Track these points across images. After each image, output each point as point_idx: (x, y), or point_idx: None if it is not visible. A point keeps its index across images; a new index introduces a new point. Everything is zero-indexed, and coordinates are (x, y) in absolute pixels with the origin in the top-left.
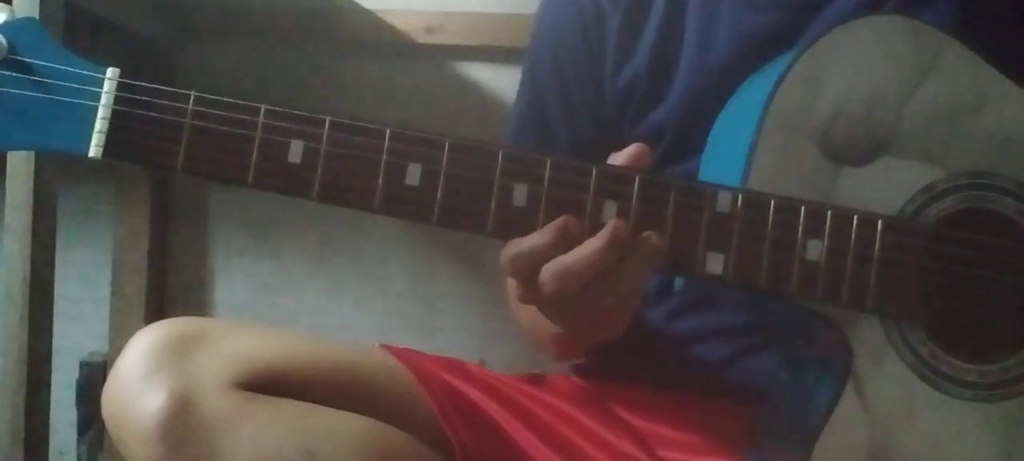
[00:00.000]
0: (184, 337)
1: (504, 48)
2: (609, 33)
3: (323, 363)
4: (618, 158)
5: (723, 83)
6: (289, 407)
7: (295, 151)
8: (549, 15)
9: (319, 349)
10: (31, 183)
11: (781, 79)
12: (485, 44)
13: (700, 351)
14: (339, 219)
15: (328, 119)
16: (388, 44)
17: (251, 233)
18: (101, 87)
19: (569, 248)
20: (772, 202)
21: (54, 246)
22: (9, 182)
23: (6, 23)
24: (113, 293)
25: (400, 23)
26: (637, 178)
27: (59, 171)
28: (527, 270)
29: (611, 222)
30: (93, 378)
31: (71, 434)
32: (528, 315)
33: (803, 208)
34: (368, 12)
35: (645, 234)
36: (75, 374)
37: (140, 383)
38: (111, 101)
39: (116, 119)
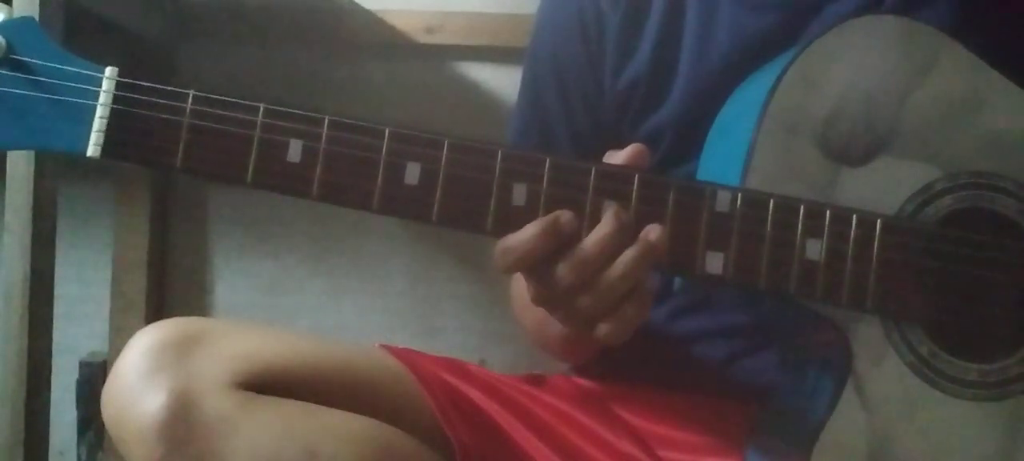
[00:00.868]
0: (184, 337)
1: (504, 48)
2: (609, 34)
3: (323, 363)
4: (616, 157)
5: (723, 84)
6: (289, 407)
7: (294, 150)
8: (549, 16)
9: (319, 349)
10: (31, 183)
11: (780, 78)
12: (485, 44)
13: (700, 351)
14: (339, 219)
15: (327, 118)
16: (388, 44)
17: (251, 233)
18: (100, 86)
19: (561, 240)
20: (771, 201)
21: (54, 246)
22: (9, 182)
23: (5, 23)
24: (113, 293)
25: (400, 23)
26: (636, 177)
27: (59, 171)
28: (521, 264)
29: (610, 208)
30: (93, 378)
31: (71, 434)
32: (533, 317)
33: (802, 207)
34: (368, 12)
35: (646, 228)
36: (75, 374)
37: (140, 383)
38: (110, 100)
39: (115, 118)
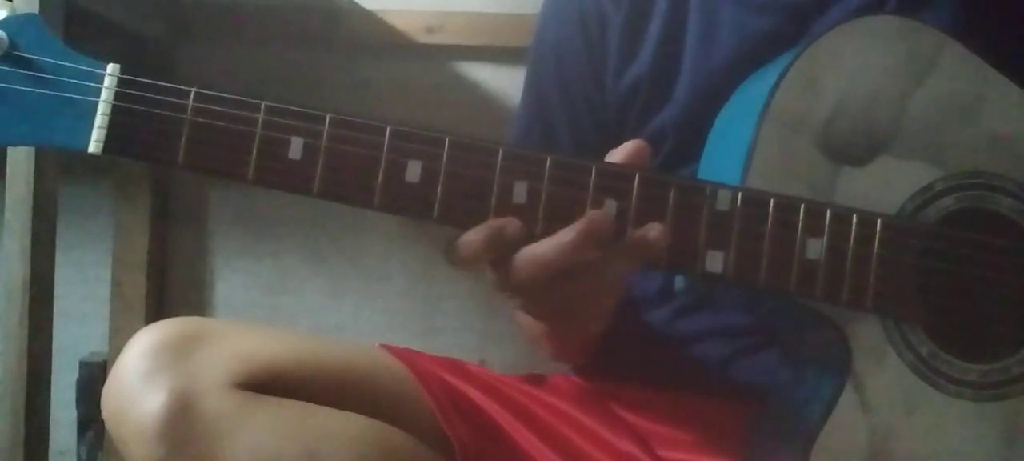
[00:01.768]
0: (184, 337)
1: (504, 48)
2: (611, 35)
3: (323, 363)
4: (615, 155)
5: (725, 85)
6: (289, 407)
7: (295, 148)
8: (551, 17)
9: (319, 349)
10: (31, 183)
11: (781, 78)
12: (485, 44)
13: (700, 351)
14: (339, 219)
15: (328, 116)
16: (388, 44)
17: (251, 233)
18: (102, 83)
19: (506, 250)
20: (772, 201)
21: (54, 246)
22: (9, 182)
23: (7, 19)
24: (113, 293)
25: (400, 23)
26: (637, 176)
27: (59, 171)
28: (465, 263)
29: (588, 213)
30: (93, 378)
31: (71, 434)
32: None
33: (803, 207)
34: (368, 12)
35: (640, 230)
36: (75, 374)
37: (140, 383)
38: (112, 97)
39: (116, 115)
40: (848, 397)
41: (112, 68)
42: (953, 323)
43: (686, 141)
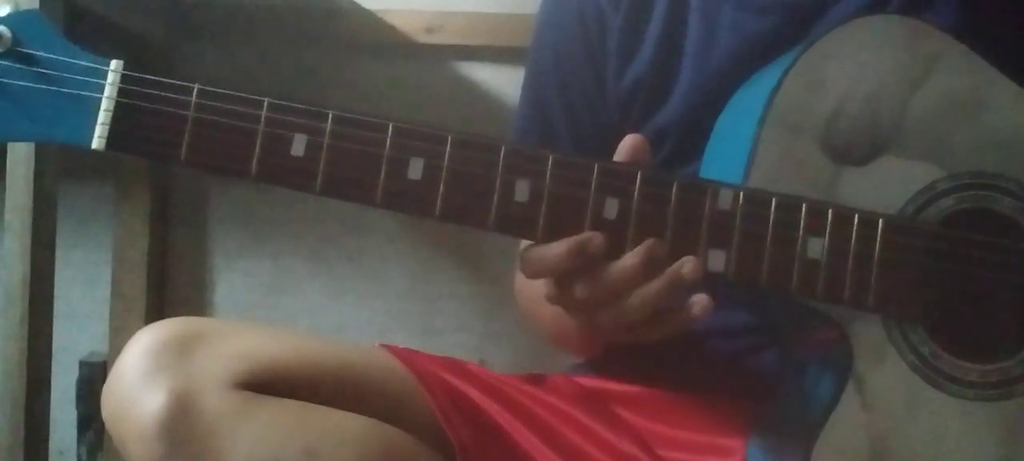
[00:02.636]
0: (184, 337)
1: (504, 48)
2: (610, 34)
3: (323, 363)
4: (618, 154)
5: (726, 85)
6: (289, 407)
7: (298, 145)
8: (550, 16)
9: (319, 349)
10: (31, 183)
11: (783, 78)
12: (485, 44)
13: (701, 350)
14: (339, 219)
15: (331, 113)
16: (388, 44)
17: (251, 233)
18: (105, 79)
19: (587, 262)
20: (773, 200)
21: (54, 246)
22: (9, 182)
23: (11, 15)
24: (113, 293)
25: (400, 23)
26: (639, 175)
27: (59, 170)
28: (543, 275)
29: (648, 241)
30: (93, 378)
31: (71, 434)
32: (552, 310)
33: (804, 206)
34: (368, 12)
35: (681, 261)
36: (75, 374)
37: (140, 383)
38: (115, 93)
39: (119, 111)
40: (849, 396)
41: (116, 65)
42: (954, 323)
43: (687, 141)
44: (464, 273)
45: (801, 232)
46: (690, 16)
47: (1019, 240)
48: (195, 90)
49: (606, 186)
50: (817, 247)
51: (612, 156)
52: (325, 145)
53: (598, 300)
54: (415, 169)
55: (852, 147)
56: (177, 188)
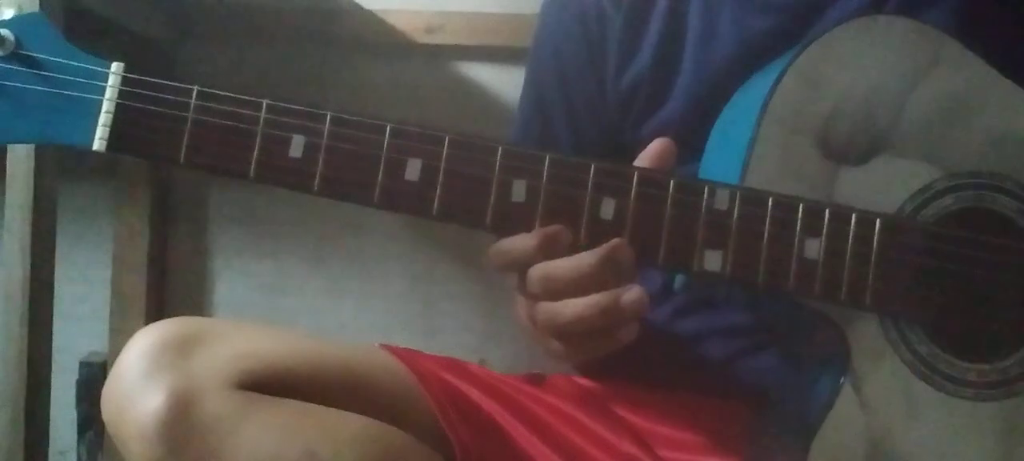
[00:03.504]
0: (184, 337)
1: (504, 48)
2: (611, 34)
3: (323, 363)
4: (644, 158)
5: (726, 85)
6: (289, 407)
7: (296, 146)
8: (550, 16)
9: (319, 349)
10: (31, 183)
11: (780, 78)
12: (485, 44)
13: (700, 351)
14: (339, 219)
15: (329, 114)
16: (388, 44)
17: (251, 233)
18: (106, 81)
19: (557, 254)
20: (770, 200)
21: (54, 246)
22: (9, 182)
23: (13, 18)
24: (113, 293)
25: (400, 23)
26: (635, 174)
27: (59, 171)
28: (512, 269)
29: (613, 241)
30: (93, 378)
31: (71, 434)
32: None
33: (801, 206)
34: (368, 12)
35: (624, 288)
36: (75, 374)
37: (140, 383)
38: (115, 95)
39: (120, 113)
40: (847, 396)
41: (116, 67)
42: (952, 323)
43: (686, 140)
44: (464, 273)
45: (798, 232)
46: (690, 16)
47: (1017, 239)
48: (195, 92)
49: (603, 185)
50: (814, 247)
51: (612, 156)
52: (323, 146)
53: (540, 293)
54: (412, 170)
55: (850, 147)
56: (177, 188)
